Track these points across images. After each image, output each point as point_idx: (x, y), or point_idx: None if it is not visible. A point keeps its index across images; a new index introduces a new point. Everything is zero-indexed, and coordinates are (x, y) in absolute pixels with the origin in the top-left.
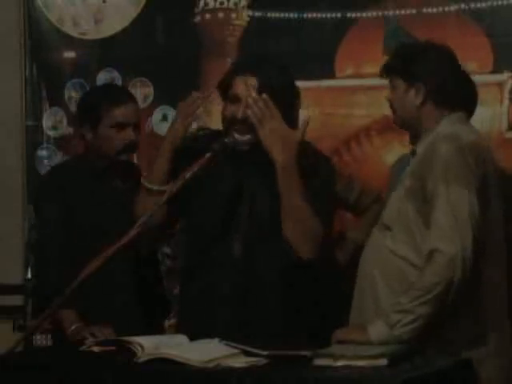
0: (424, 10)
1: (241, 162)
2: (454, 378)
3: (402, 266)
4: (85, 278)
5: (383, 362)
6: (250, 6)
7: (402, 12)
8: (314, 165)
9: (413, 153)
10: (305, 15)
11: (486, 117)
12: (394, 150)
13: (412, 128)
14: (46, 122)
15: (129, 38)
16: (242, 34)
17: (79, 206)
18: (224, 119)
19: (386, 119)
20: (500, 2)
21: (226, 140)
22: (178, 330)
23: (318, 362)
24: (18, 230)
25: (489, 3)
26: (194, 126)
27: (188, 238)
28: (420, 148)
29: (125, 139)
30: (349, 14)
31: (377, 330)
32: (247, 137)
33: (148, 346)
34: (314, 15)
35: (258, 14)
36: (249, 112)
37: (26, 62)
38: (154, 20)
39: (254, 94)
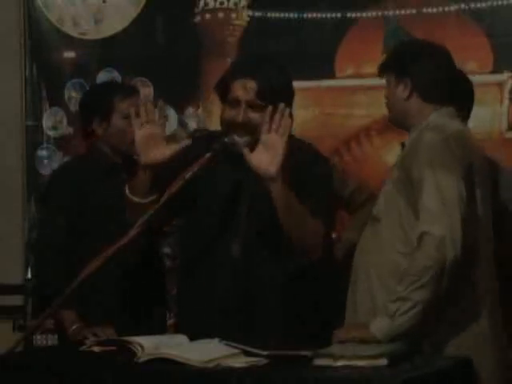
0: (424, 10)
1: (240, 162)
2: (454, 378)
3: (394, 257)
4: (85, 278)
5: (383, 361)
6: (250, 6)
7: (402, 12)
8: (312, 166)
9: (402, 147)
10: (305, 15)
11: (485, 117)
12: (393, 149)
13: (403, 124)
14: (46, 122)
15: (129, 38)
16: (241, 34)
17: (88, 204)
18: (223, 122)
19: (386, 119)
20: (500, 2)
21: (225, 140)
22: (177, 330)
23: (318, 362)
24: (18, 230)
25: (489, 3)
26: (192, 127)
27: (186, 238)
28: (408, 141)
29: (133, 132)
30: (349, 14)
31: (378, 325)
32: (246, 138)
33: (148, 346)
34: (314, 15)
35: (258, 13)
36: (252, 116)
37: (26, 62)
38: (154, 20)
39: (253, 98)
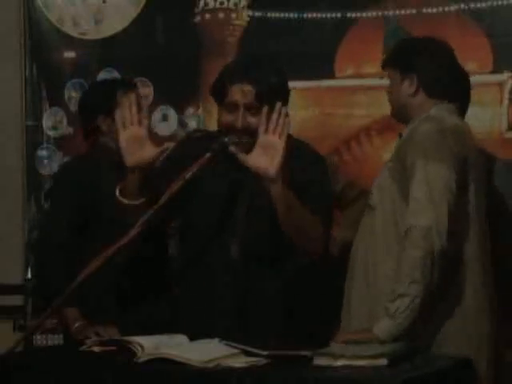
0: (424, 10)
1: (239, 163)
2: (453, 378)
3: (388, 241)
4: (85, 278)
5: (383, 361)
6: (250, 6)
7: (402, 12)
8: (310, 165)
9: (400, 137)
10: (305, 15)
11: (485, 117)
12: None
13: (406, 119)
14: (46, 122)
15: (129, 38)
16: (241, 34)
17: (93, 202)
18: (222, 127)
19: (386, 119)
20: (500, 2)
21: (225, 140)
22: (177, 330)
23: (318, 361)
24: (18, 230)
25: (489, 3)
26: (192, 127)
27: (186, 239)
28: (405, 131)
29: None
30: (349, 14)
31: (381, 327)
32: (246, 140)
33: (148, 346)
34: (314, 15)
35: (258, 13)
36: (251, 120)
37: (26, 62)
38: (154, 20)
39: (250, 102)
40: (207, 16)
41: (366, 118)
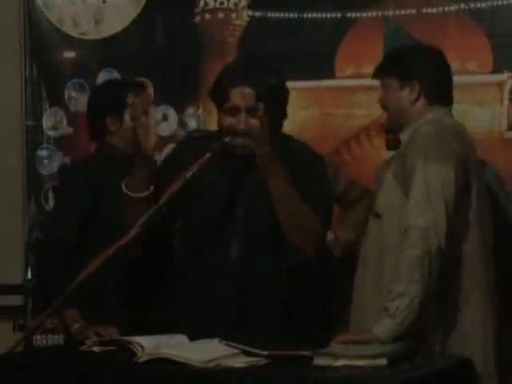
0: (424, 10)
1: (239, 163)
2: (453, 378)
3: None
4: (85, 278)
5: (383, 361)
6: (250, 6)
7: (402, 12)
8: (310, 166)
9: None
10: (305, 15)
11: (485, 117)
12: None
13: (402, 126)
14: (46, 122)
15: (129, 37)
16: (241, 34)
17: (101, 202)
18: (221, 129)
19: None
20: (500, 2)
21: (226, 140)
22: (177, 330)
23: (318, 361)
24: (18, 230)
25: (489, 3)
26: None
27: (186, 239)
28: (404, 135)
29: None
30: (349, 14)
31: (381, 327)
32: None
33: (148, 346)
34: (314, 15)
35: (257, 13)
36: (252, 122)
37: (26, 62)
38: (154, 20)
39: (251, 105)
40: (207, 16)
41: (365, 117)
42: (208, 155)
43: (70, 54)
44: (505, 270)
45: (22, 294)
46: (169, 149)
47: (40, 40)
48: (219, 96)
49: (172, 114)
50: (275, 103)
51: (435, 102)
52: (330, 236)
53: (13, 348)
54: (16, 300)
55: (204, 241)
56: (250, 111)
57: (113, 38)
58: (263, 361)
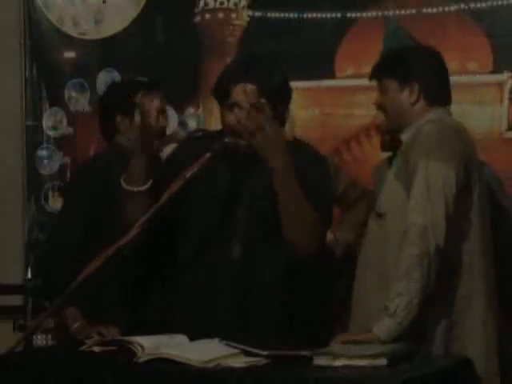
0: (424, 10)
1: (240, 163)
2: (453, 378)
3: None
4: (85, 278)
5: (383, 361)
6: (250, 6)
7: (402, 12)
8: (310, 164)
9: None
10: (305, 15)
11: (485, 117)
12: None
13: (400, 128)
14: (46, 122)
15: (129, 37)
16: (241, 34)
17: (105, 202)
18: (226, 127)
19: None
20: (500, 2)
21: (226, 140)
22: (177, 330)
23: (318, 361)
24: (18, 230)
25: (489, 3)
26: (192, 127)
27: (186, 239)
28: (406, 135)
29: (159, 125)
30: (349, 14)
31: (381, 327)
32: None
33: (148, 346)
34: (314, 15)
35: (257, 13)
36: (255, 118)
37: (26, 62)
38: (154, 20)
39: (254, 101)
40: (207, 16)
41: (365, 117)
42: (208, 155)
43: (70, 54)
44: (505, 270)
45: (22, 294)
46: (169, 148)
47: (40, 40)
48: (221, 93)
49: (172, 114)
50: (281, 103)
51: (435, 103)
52: (329, 236)
53: (13, 348)
54: (16, 300)
55: (205, 241)
56: (252, 107)
57: (113, 38)
58: (263, 361)
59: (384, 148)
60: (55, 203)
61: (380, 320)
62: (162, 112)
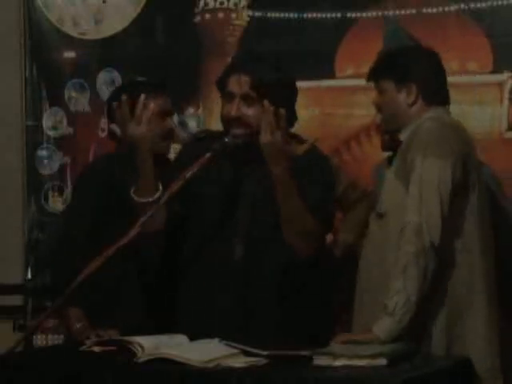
0: (424, 10)
1: (242, 163)
2: (454, 378)
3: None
4: (85, 278)
5: (383, 361)
6: (250, 6)
7: (402, 12)
8: (312, 164)
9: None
10: (305, 15)
11: (485, 117)
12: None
13: (398, 128)
14: (46, 122)
15: (129, 37)
16: (241, 34)
17: (117, 202)
18: (221, 118)
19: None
20: (500, 2)
21: (226, 140)
22: (177, 330)
23: (318, 361)
24: (18, 230)
25: (489, 3)
26: (192, 127)
27: (188, 240)
28: (404, 135)
29: (166, 127)
30: (349, 14)
31: (381, 326)
32: (241, 130)
33: (148, 346)
34: (314, 15)
35: (258, 14)
36: (245, 110)
37: (26, 62)
38: (154, 20)
39: (247, 92)
40: (207, 16)
41: (365, 117)
42: (208, 155)
43: (69, 54)
44: (505, 270)
45: (22, 294)
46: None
47: (40, 40)
48: (222, 85)
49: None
50: (284, 103)
51: (433, 103)
52: (329, 237)
53: (13, 348)
54: (16, 300)
55: (205, 240)
56: (245, 98)
57: (113, 38)
58: (263, 361)
59: (384, 147)
60: (55, 203)
61: (380, 319)
62: (168, 114)
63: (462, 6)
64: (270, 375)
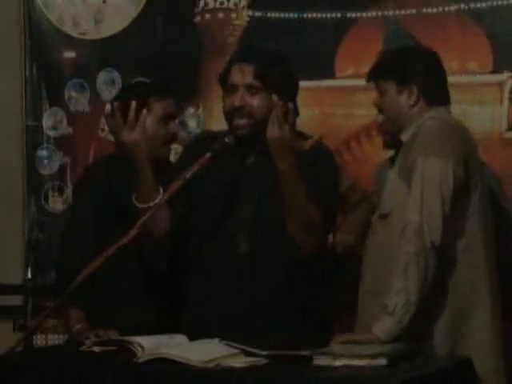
0: (424, 10)
1: (244, 161)
2: (454, 377)
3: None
4: (85, 279)
5: (383, 361)
6: (250, 6)
7: (402, 12)
8: (318, 160)
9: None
10: (305, 15)
11: (485, 117)
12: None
13: (399, 128)
14: (46, 122)
15: (129, 37)
16: (241, 34)
17: (118, 204)
18: (224, 112)
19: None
20: (500, 2)
21: (226, 140)
22: (181, 328)
23: (318, 361)
24: (18, 230)
25: (489, 3)
26: (192, 127)
27: (193, 236)
28: (406, 135)
29: (169, 131)
30: (349, 14)
31: (381, 326)
32: (244, 120)
33: (148, 346)
34: (314, 15)
35: (258, 13)
36: (249, 100)
37: (26, 62)
38: (154, 20)
39: (250, 82)
40: (207, 16)
41: (365, 117)
42: (208, 155)
43: (69, 54)
44: (505, 271)
45: (22, 294)
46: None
47: (40, 40)
48: (224, 78)
49: None
50: (286, 95)
51: (434, 103)
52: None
53: (13, 348)
54: (16, 300)
55: (211, 237)
56: (249, 89)
57: (113, 38)
58: (263, 361)
59: (386, 147)
60: (55, 203)
61: (380, 319)
62: (172, 118)
63: (462, 6)
64: (270, 375)
